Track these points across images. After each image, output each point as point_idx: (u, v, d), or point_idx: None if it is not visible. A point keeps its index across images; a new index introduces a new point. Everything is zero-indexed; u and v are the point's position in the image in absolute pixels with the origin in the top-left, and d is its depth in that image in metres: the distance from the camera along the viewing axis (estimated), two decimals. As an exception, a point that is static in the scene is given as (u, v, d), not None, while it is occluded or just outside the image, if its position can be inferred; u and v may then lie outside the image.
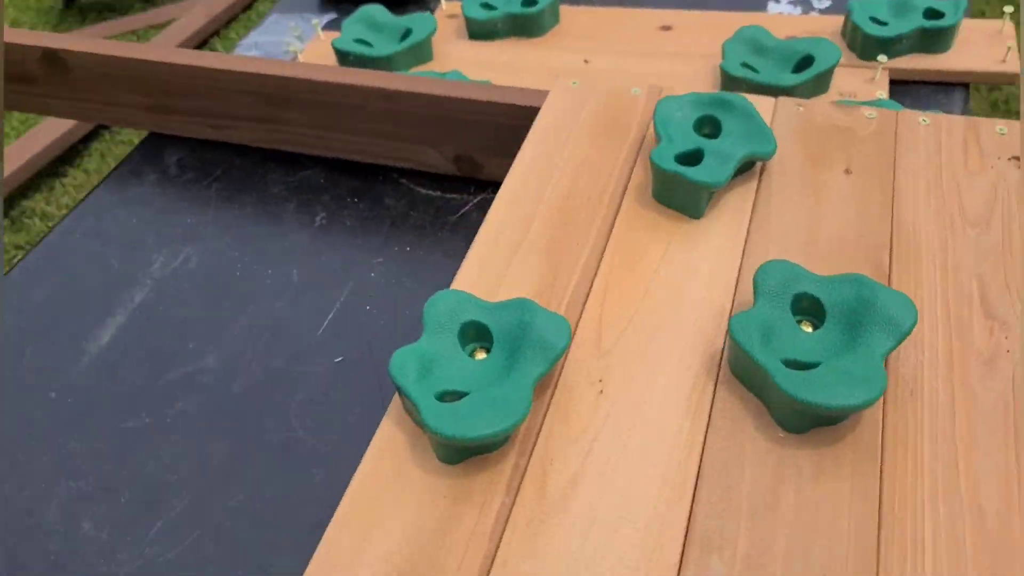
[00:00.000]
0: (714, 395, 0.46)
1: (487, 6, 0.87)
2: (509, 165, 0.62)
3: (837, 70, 0.75)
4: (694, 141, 0.57)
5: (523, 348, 0.46)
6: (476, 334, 0.48)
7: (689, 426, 0.45)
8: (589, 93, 0.66)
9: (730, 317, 0.48)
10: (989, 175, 0.56)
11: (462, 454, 0.44)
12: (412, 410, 0.45)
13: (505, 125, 0.70)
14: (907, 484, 0.41)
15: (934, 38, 0.76)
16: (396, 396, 0.48)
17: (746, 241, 0.54)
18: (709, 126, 0.59)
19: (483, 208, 0.74)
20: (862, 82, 0.76)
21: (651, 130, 0.62)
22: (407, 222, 0.73)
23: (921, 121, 0.61)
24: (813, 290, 0.47)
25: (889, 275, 0.51)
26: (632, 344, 0.49)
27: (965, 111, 0.76)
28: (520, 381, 0.44)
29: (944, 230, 0.53)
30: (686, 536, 0.40)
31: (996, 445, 0.42)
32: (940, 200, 0.55)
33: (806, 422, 0.43)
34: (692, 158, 0.56)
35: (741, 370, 0.46)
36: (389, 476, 0.44)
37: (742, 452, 0.43)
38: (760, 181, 0.58)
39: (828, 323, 0.46)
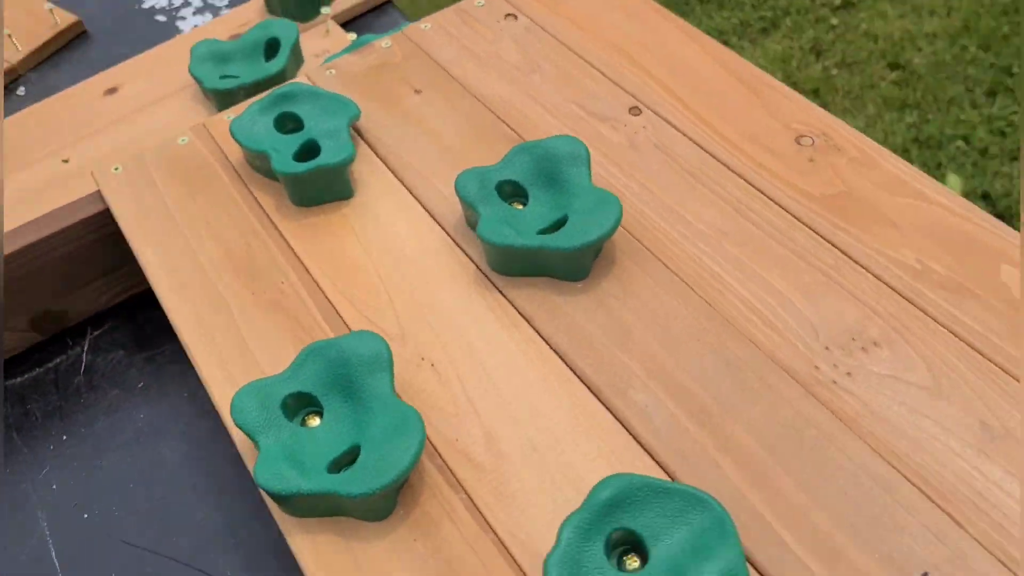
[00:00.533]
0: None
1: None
2: (95, 292, 0.55)
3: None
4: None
5: (353, 377, 0.44)
6: (296, 406, 0.44)
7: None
8: (144, 164, 0.60)
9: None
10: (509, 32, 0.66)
11: (392, 498, 0.41)
12: (333, 501, 0.40)
13: (69, 253, 0.61)
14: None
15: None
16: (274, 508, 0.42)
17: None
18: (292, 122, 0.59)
19: (99, 350, 0.63)
20: (321, 38, 0.81)
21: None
22: (47, 411, 0.60)
23: (423, 27, 0.68)
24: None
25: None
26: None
27: (405, 18, 0.86)
28: (386, 407, 0.42)
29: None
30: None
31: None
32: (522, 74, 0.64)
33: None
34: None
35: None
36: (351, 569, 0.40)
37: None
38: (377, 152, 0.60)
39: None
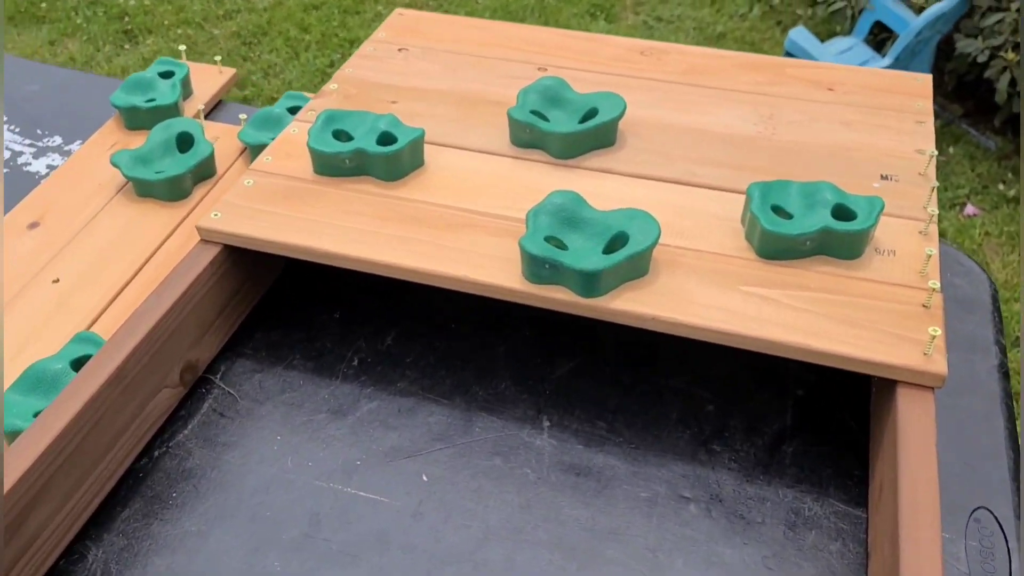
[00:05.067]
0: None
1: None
2: (214, 336, 0.70)
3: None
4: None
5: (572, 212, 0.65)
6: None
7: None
8: (236, 205, 0.71)
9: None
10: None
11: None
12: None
13: (199, 300, 0.68)
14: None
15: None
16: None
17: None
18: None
19: (237, 381, 0.70)
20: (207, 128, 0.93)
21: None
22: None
23: (348, 71, 0.87)
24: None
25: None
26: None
27: (247, 105, 1.01)
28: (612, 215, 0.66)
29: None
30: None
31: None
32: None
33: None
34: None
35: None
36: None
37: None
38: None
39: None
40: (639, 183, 0.73)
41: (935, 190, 0.70)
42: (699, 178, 0.74)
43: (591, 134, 0.76)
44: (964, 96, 2.58)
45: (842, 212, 0.66)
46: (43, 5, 2.87)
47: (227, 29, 2.77)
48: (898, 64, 2.36)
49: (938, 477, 0.54)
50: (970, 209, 2.29)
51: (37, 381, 0.65)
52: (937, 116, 2.60)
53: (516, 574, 0.58)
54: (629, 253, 0.62)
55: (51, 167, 0.92)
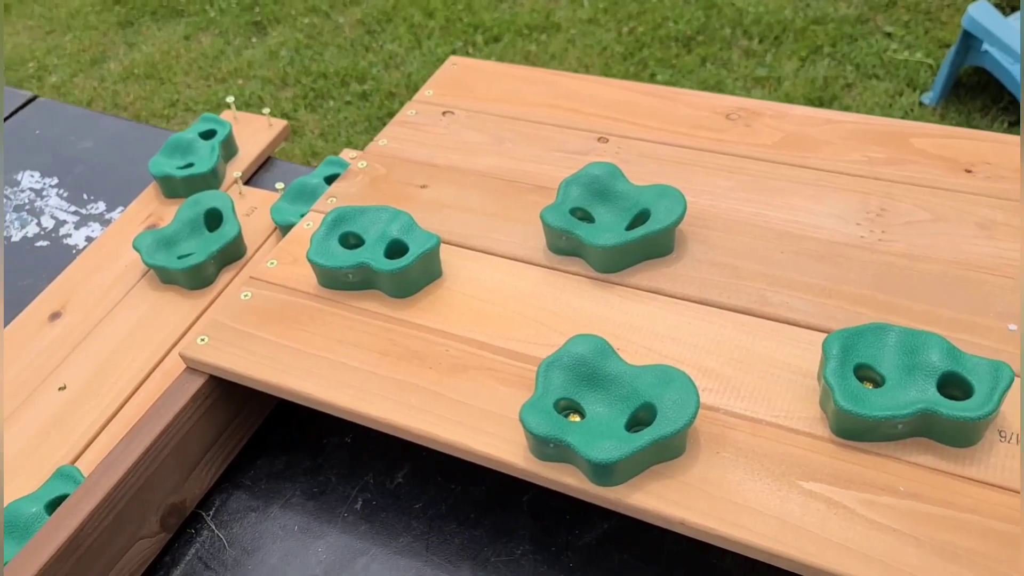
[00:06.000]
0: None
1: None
2: (202, 472, 0.62)
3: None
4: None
5: (595, 367, 0.53)
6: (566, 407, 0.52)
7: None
8: (225, 326, 0.63)
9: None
10: None
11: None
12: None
13: (182, 438, 0.61)
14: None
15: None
16: None
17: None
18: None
19: (227, 522, 0.63)
20: (239, 200, 0.86)
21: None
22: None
23: (381, 143, 0.77)
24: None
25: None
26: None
27: (291, 163, 0.93)
28: (642, 372, 0.53)
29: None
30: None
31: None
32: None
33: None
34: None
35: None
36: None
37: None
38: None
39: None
40: (694, 311, 0.59)
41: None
42: (772, 307, 0.59)
43: (639, 245, 0.62)
44: None
45: (954, 382, 0.50)
46: (183, -2, 2.93)
47: (352, 16, 2.73)
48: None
49: None
50: None
51: (10, 526, 0.60)
52: None
53: None
54: (654, 437, 0.49)
55: (90, 239, 0.87)
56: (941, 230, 0.63)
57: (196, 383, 0.62)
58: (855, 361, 0.52)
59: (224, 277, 0.79)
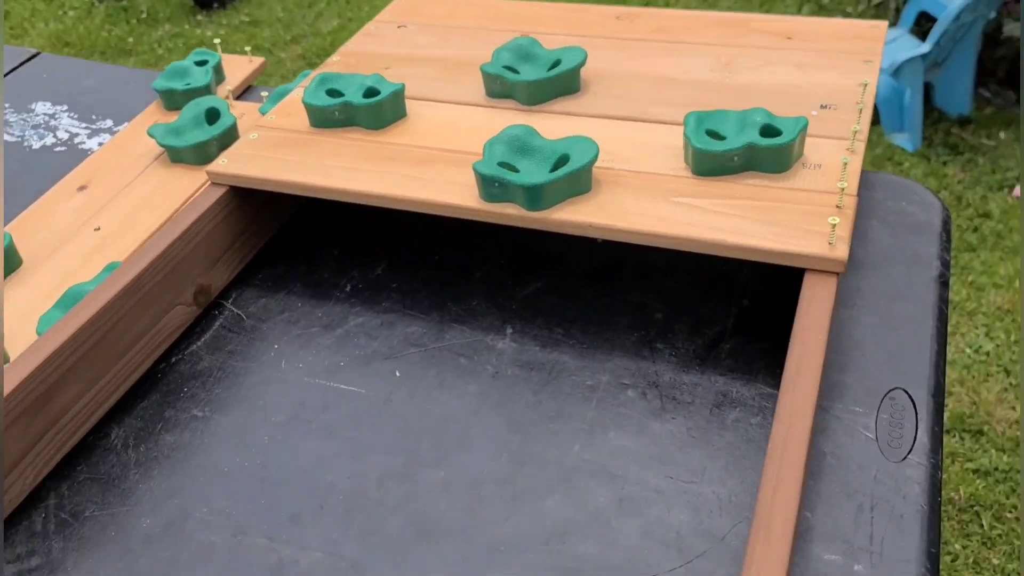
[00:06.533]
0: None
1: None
2: (224, 266, 0.80)
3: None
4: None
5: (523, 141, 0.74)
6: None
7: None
8: (242, 153, 0.82)
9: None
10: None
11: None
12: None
13: (208, 233, 0.79)
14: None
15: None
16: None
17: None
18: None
19: (245, 306, 0.80)
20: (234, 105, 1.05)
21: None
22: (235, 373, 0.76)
23: (351, 48, 0.98)
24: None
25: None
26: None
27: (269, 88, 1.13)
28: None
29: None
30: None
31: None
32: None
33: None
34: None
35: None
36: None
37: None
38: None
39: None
40: (596, 122, 0.81)
41: (863, 111, 0.76)
42: (651, 115, 0.81)
43: (555, 81, 0.84)
44: (1016, 83, 2.54)
45: (769, 131, 0.73)
46: (130, 40, 3.12)
47: (293, 52, 2.95)
48: (939, 50, 2.36)
49: (826, 349, 0.60)
50: (1018, 191, 2.26)
51: (73, 300, 0.77)
52: (990, 102, 2.57)
53: (468, 444, 0.66)
54: (570, 170, 0.70)
55: (102, 144, 1.05)
56: (769, 70, 0.86)
57: (219, 192, 0.80)
58: (705, 127, 0.74)
59: (223, 156, 0.98)
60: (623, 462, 0.63)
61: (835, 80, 0.83)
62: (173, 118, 1.05)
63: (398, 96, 0.84)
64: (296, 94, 0.90)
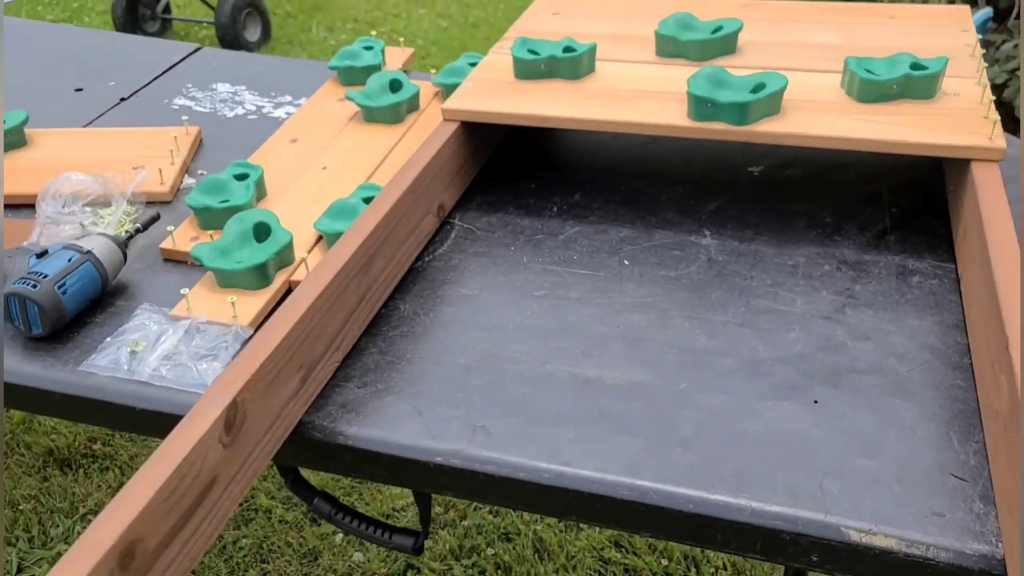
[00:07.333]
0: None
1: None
2: (454, 188, 0.93)
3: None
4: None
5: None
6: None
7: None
8: (464, 89, 0.97)
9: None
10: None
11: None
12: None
13: (448, 157, 0.93)
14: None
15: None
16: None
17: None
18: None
19: (471, 221, 0.95)
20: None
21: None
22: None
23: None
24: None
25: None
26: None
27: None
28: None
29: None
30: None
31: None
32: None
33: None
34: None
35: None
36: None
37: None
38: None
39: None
40: (760, 72, 0.99)
41: (981, 55, 0.95)
42: (805, 66, 0.99)
43: (720, 42, 1.02)
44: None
45: (917, 67, 0.91)
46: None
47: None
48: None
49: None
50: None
51: (340, 211, 0.91)
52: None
53: (706, 306, 0.81)
54: (770, 91, 0.87)
55: (288, 114, 1.19)
56: (887, 39, 1.05)
57: (452, 127, 0.95)
58: (863, 67, 0.92)
59: (411, 117, 1.13)
60: (838, 311, 0.79)
61: (941, 42, 1.03)
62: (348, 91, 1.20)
63: (592, 52, 1.01)
64: (492, 57, 1.06)
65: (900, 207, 0.93)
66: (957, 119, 0.86)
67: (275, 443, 0.67)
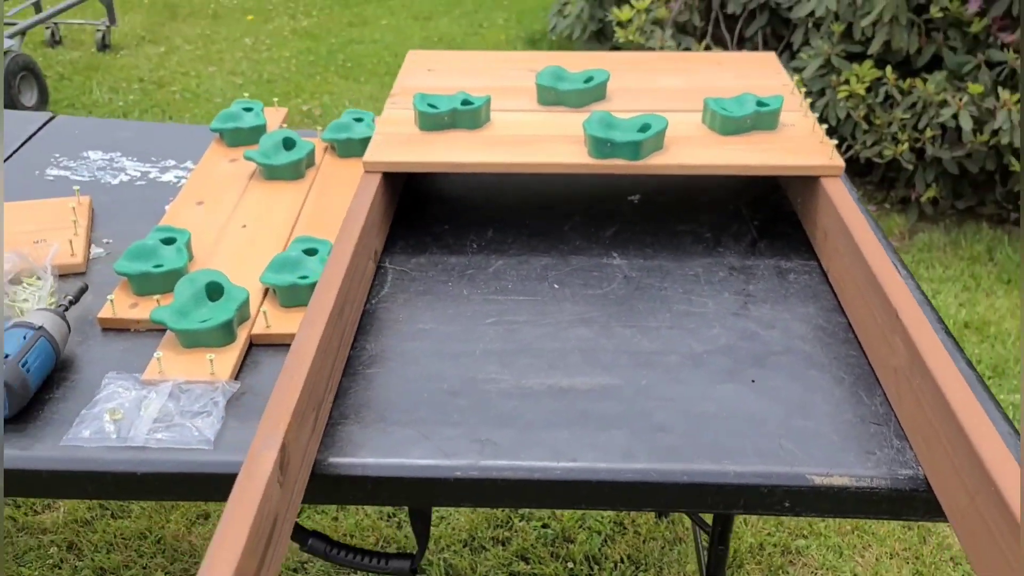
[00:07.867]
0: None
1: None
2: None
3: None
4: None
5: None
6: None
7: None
8: (379, 140, 1.04)
9: (560, 99, 1.15)
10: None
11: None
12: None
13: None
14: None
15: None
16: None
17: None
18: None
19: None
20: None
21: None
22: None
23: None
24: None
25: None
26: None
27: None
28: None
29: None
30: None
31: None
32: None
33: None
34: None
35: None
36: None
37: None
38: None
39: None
40: (631, 115, 1.14)
41: (798, 89, 1.17)
42: (667, 108, 1.16)
43: (594, 90, 1.17)
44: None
45: (762, 104, 1.10)
46: None
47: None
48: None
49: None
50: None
51: (283, 264, 0.94)
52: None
53: (636, 315, 0.94)
54: (657, 130, 1.02)
55: (179, 178, 1.20)
56: (722, 81, 1.25)
57: (377, 177, 1.02)
58: (721, 105, 1.10)
59: (311, 173, 1.18)
60: (742, 308, 0.94)
61: (764, 83, 1.24)
62: (237, 152, 1.22)
63: (488, 104, 1.11)
64: (390, 111, 1.14)
65: (759, 219, 1.12)
66: (799, 144, 1.06)
67: (304, 481, 0.71)
